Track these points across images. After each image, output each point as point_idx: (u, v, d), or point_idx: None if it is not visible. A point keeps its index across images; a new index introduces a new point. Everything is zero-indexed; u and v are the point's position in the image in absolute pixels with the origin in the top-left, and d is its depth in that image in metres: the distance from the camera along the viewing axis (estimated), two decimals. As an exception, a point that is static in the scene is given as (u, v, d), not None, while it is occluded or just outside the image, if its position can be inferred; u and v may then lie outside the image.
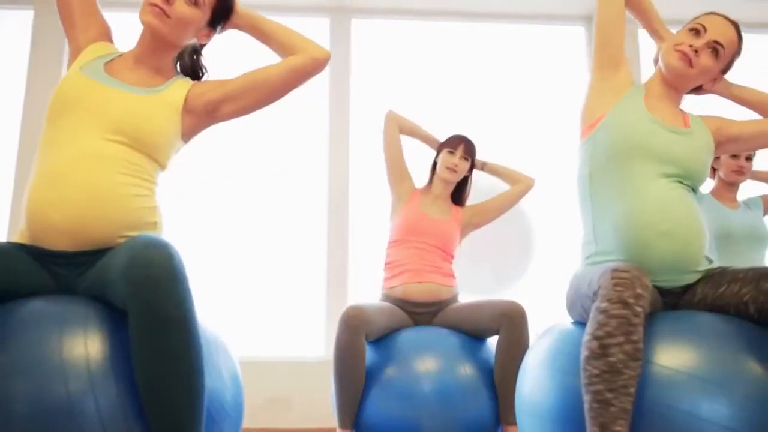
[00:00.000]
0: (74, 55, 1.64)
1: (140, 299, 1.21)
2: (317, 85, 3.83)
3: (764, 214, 2.96)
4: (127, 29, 1.90)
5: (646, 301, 1.36)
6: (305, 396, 3.32)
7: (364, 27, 3.95)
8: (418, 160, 2.88)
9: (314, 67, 1.66)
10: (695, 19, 1.75)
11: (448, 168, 2.64)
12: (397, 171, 2.73)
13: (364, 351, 2.21)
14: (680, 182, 1.64)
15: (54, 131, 1.48)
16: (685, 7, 3.85)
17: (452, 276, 2.60)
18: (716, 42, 1.69)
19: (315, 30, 3.89)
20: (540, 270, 3.74)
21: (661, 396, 1.34)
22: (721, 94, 1.85)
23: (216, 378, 1.41)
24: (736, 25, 1.75)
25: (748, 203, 2.96)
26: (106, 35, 1.69)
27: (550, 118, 3.81)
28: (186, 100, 1.59)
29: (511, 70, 3.97)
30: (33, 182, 1.44)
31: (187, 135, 1.64)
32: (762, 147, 1.82)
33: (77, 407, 1.18)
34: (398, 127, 2.75)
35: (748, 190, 3.06)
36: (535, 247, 3.79)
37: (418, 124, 2.83)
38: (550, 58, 4.01)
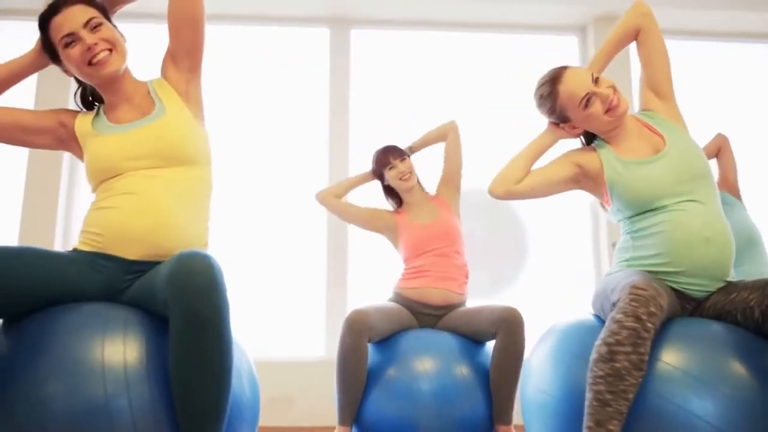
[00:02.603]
0: (75, 145, 1.70)
1: (182, 303, 1.32)
2: (318, 93, 3.93)
3: (739, 200, 2.94)
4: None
5: (658, 319, 1.47)
6: (306, 395, 3.40)
7: (363, 37, 4.04)
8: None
9: None
10: (568, 94, 1.87)
11: (401, 179, 2.70)
12: (371, 221, 2.78)
13: (367, 354, 2.30)
14: (703, 193, 1.76)
15: (107, 191, 1.60)
16: (701, 19, 3.99)
17: (466, 283, 2.67)
18: (592, 77, 1.84)
19: (315, 40, 4.00)
20: (533, 274, 3.84)
21: (658, 388, 1.47)
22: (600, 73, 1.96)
23: (236, 380, 1.50)
24: (565, 66, 1.93)
25: (723, 205, 2.99)
26: (73, 114, 1.72)
27: (543, 124, 3.90)
28: (177, 92, 1.71)
29: (506, 79, 4.06)
30: (107, 200, 1.57)
31: (199, 114, 1.75)
32: (664, 56, 1.93)
33: (112, 406, 1.30)
34: (335, 198, 2.81)
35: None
36: (529, 251, 3.88)
37: (343, 180, 2.91)
38: (544, 67, 4.09)
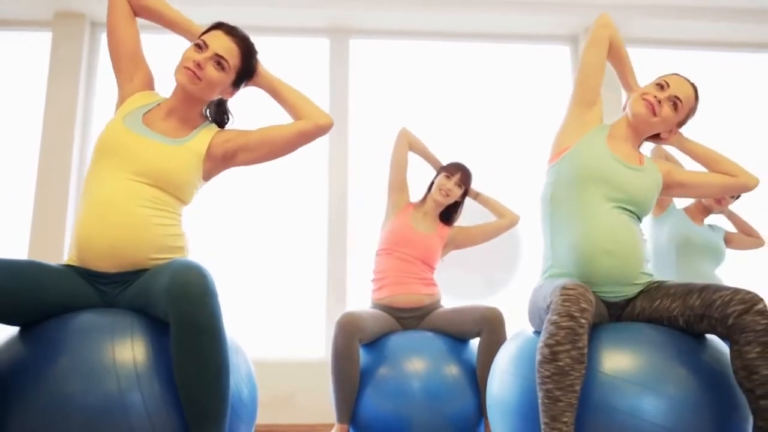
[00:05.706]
0: (121, 99, 1.87)
1: (180, 312, 1.46)
2: (318, 101, 4.02)
3: (725, 244, 3.20)
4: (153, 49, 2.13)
5: (589, 313, 1.60)
6: (307, 394, 3.51)
7: (362, 47, 4.14)
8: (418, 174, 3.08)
9: (318, 132, 1.87)
10: (662, 76, 2.00)
11: (441, 190, 2.85)
12: (398, 182, 2.94)
13: (359, 354, 2.43)
14: (627, 210, 1.90)
15: (97, 170, 1.73)
16: (699, 30, 4.08)
17: (433, 284, 2.82)
18: (676, 97, 1.94)
19: (315, 50, 4.11)
20: (526, 277, 3.94)
21: (605, 397, 1.59)
22: (674, 144, 2.10)
23: (236, 378, 1.64)
24: (695, 86, 2.00)
25: (713, 227, 3.21)
26: (149, 84, 1.90)
27: (537, 133, 4.00)
28: (208, 148, 1.81)
29: (501, 87, 4.15)
30: (81, 216, 1.70)
31: (207, 177, 1.86)
32: (705, 196, 2.09)
33: (127, 401, 1.44)
34: (408, 144, 2.96)
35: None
36: (521, 255, 3.99)
37: (426, 145, 3.04)
38: (538, 75, 4.21)
